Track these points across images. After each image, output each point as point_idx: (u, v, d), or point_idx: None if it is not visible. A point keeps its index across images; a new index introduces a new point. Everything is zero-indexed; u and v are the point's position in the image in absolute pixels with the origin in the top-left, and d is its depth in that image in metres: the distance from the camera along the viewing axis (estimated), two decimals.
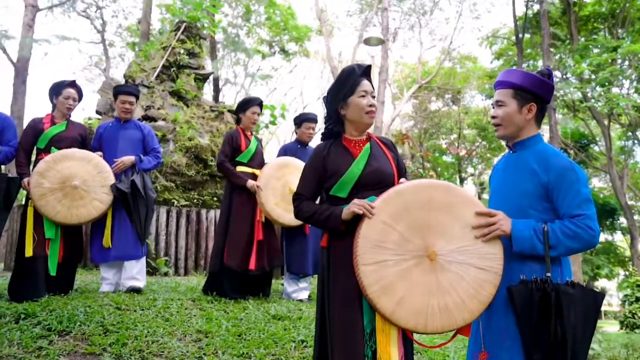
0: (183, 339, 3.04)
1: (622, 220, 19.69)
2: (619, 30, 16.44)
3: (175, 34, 8.04)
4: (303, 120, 4.71)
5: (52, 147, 3.83)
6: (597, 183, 25.41)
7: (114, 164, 3.96)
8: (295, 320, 3.59)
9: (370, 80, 2.15)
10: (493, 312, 1.88)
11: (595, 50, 15.74)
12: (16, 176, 3.77)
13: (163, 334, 3.04)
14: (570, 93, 16.17)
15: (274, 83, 21.97)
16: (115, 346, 2.78)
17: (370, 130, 2.28)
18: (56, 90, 3.94)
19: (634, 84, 16.16)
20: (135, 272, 4.06)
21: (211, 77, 10.47)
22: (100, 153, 4.02)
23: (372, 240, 1.84)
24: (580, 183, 1.82)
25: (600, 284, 28.57)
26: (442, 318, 1.80)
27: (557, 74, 17.79)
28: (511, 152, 2.02)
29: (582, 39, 17.01)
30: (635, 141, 18.50)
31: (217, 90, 14.92)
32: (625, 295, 11.76)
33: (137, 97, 4.30)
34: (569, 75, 17.08)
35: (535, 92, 1.93)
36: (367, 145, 2.11)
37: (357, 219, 1.90)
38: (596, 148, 20.65)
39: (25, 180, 3.68)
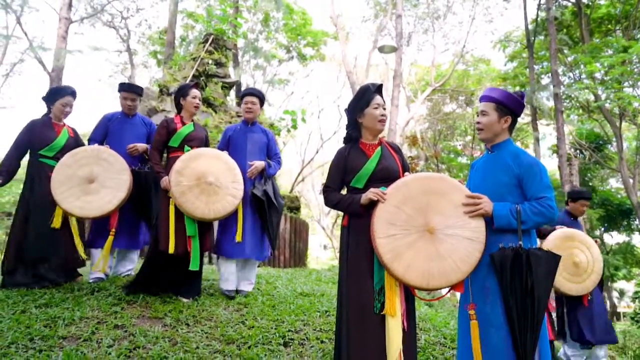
0: (227, 308, 3.64)
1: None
2: (634, 32, 16.62)
3: (204, 46, 8.73)
4: (244, 95, 4.35)
5: (186, 146, 3.93)
6: (615, 184, 25.32)
7: (248, 169, 4.03)
8: (319, 296, 4.18)
9: (382, 95, 2.75)
10: (477, 275, 2.43)
11: (609, 52, 15.98)
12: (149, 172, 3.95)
13: (210, 305, 3.66)
14: (583, 94, 16.40)
15: (290, 88, 22.67)
16: (173, 312, 3.40)
17: (385, 133, 2.87)
18: (182, 92, 4.06)
19: None
20: (253, 276, 4.20)
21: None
22: (225, 152, 4.03)
23: (385, 219, 2.41)
24: (543, 174, 2.41)
25: (619, 285, 28.38)
26: (441, 278, 2.33)
27: (570, 75, 18.10)
28: (489, 152, 2.59)
29: (597, 41, 17.24)
30: None
31: (239, 96, 15.61)
32: (636, 292, 11.99)
33: (262, 100, 4.36)
34: (583, 76, 17.34)
35: (511, 108, 2.52)
36: (379, 148, 2.72)
37: (373, 203, 2.47)
38: (612, 148, 20.79)
39: (165, 179, 3.72)
